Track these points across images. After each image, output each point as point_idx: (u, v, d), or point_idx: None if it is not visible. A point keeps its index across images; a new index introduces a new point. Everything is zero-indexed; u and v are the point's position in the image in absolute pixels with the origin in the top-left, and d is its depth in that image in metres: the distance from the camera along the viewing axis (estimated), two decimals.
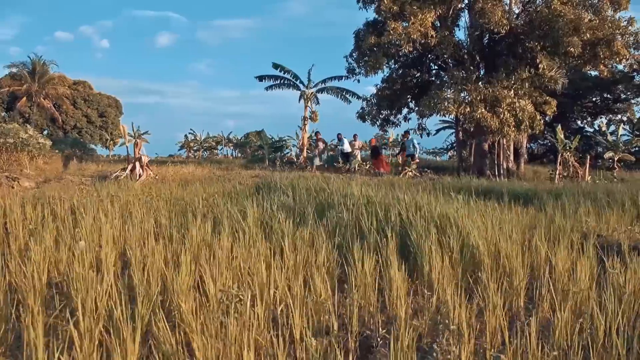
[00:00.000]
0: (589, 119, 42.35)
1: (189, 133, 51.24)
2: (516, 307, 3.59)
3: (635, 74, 37.75)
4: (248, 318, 2.83)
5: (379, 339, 2.93)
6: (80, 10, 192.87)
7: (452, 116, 27.90)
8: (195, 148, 52.50)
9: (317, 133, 23.98)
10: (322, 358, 2.60)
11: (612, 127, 39.16)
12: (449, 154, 56.31)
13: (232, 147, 51.44)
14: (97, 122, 54.65)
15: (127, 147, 16.97)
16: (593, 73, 35.77)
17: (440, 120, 45.26)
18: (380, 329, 3.06)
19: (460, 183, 13.68)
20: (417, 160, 23.04)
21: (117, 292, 3.16)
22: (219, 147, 52.51)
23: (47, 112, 45.58)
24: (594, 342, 2.84)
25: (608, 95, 40.53)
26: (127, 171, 15.84)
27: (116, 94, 59.38)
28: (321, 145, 23.53)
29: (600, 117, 41.06)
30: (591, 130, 40.05)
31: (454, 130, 44.99)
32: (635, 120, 38.27)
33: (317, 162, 22.42)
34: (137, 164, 16.02)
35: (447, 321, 2.79)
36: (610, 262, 4.22)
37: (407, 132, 24.71)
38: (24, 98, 43.78)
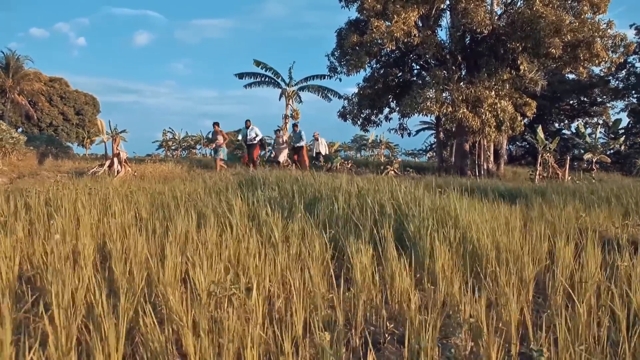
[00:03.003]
0: (566, 121, 42.90)
1: (168, 131, 50.54)
2: (525, 300, 3.38)
3: (610, 77, 38.40)
4: (245, 312, 2.57)
5: (386, 335, 2.70)
6: (56, 7, 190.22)
7: (433, 116, 27.97)
8: (173, 147, 51.89)
9: (215, 124, 20.27)
10: (332, 356, 2.36)
11: (589, 130, 39.86)
12: (428, 155, 56.68)
13: (210, 147, 50.97)
14: (74, 120, 53.70)
15: (104, 143, 16.51)
16: (571, 76, 36.43)
17: (420, 121, 45.57)
18: (387, 324, 2.83)
19: (444, 181, 13.56)
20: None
21: (97, 284, 2.87)
22: (198, 146, 51.97)
23: (22, 108, 44.51)
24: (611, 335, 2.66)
25: (585, 99, 41.10)
26: (105, 167, 15.39)
27: (93, 93, 58.46)
28: (220, 138, 20.08)
29: (578, 120, 41.64)
30: (568, 132, 40.63)
31: (433, 132, 45.39)
32: (611, 123, 38.84)
33: (220, 155, 19.69)
34: (116, 160, 15.58)
35: (458, 316, 2.57)
36: (612, 255, 4.08)
37: (295, 125, 22.92)
38: None
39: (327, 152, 24.79)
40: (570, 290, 3.04)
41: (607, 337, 2.59)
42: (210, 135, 20.70)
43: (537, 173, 22.85)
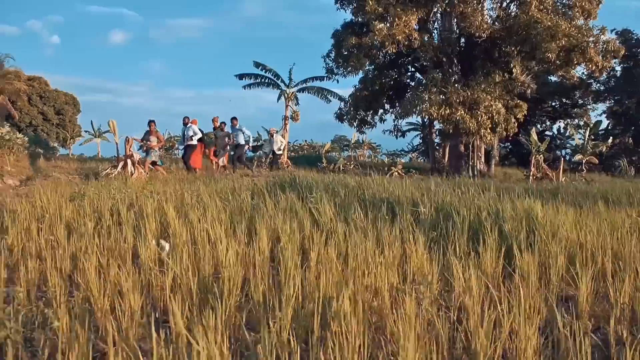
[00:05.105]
0: (547, 123, 43.87)
1: None
2: None
3: (592, 80, 39.42)
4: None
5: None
6: (27, 5, 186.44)
7: (420, 118, 28.50)
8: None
9: (151, 123, 17.16)
10: None
11: (568, 132, 40.90)
12: (410, 155, 57.20)
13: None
14: (54, 120, 52.79)
15: (116, 143, 16.42)
16: (553, 79, 37.34)
17: (406, 122, 46.00)
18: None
19: (462, 182, 13.85)
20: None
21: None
22: (180, 147, 51.55)
23: (3, 108, 43.57)
24: None
25: (567, 101, 42.10)
26: (119, 168, 15.33)
27: (69, 92, 57.35)
28: (153, 140, 17.20)
29: (559, 122, 42.73)
30: (550, 133, 41.65)
31: (419, 133, 45.93)
32: (591, 125, 39.91)
33: (152, 157, 16.94)
34: (129, 161, 15.53)
35: None
36: None
37: (234, 119, 19.50)
38: None
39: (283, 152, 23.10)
40: None
41: None
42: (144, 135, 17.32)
43: (532, 174, 23.45)
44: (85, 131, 58.72)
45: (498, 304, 2.96)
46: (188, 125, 17.57)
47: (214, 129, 19.17)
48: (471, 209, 6.10)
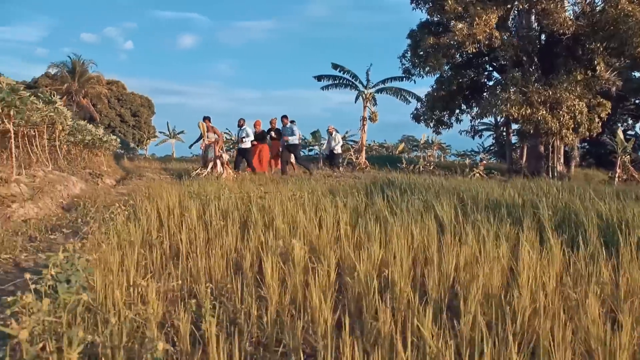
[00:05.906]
0: (630, 121, 41.87)
1: (225, 132, 51.42)
2: None
3: None
4: None
5: None
6: (104, 12, 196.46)
7: (501, 118, 27.89)
8: (225, 148, 52.90)
9: (206, 119, 16.93)
10: None
11: None
12: (481, 156, 55.99)
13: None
14: (130, 122, 55.19)
15: (205, 144, 16.97)
16: (637, 74, 35.49)
17: (479, 122, 45.20)
18: None
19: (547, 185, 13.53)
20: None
21: None
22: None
23: (87, 111, 46.06)
24: None
25: None
26: (209, 169, 15.85)
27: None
28: (212, 136, 16.76)
29: None
30: (632, 133, 39.75)
31: (491, 133, 44.99)
32: None
33: (211, 153, 16.56)
34: (218, 162, 16.03)
35: None
36: None
37: (285, 117, 18.09)
38: (65, 97, 44.18)
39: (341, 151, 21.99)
40: None
41: None
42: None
43: (617, 175, 22.52)
44: (160, 132, 60.98)
45: None
46: (243, 127, 17.26)
47: (270, 130, 18.53)
48: (591, 211, 6.00)
